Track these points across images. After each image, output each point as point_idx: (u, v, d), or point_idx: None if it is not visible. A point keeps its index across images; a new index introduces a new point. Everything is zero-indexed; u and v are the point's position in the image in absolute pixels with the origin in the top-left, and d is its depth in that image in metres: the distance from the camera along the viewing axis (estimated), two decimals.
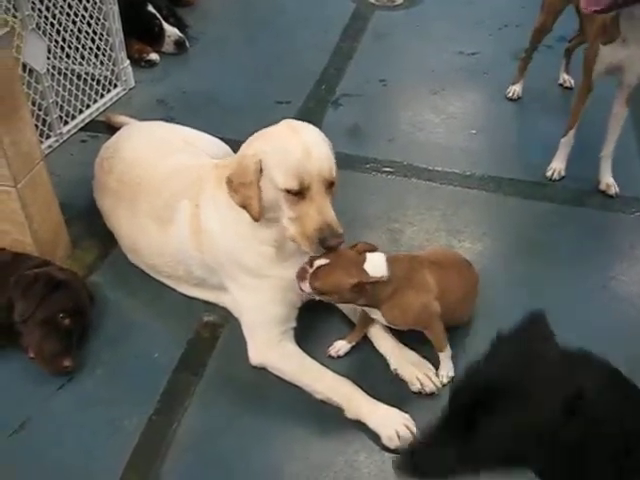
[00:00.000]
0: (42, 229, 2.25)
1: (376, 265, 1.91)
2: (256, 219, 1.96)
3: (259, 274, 2.07)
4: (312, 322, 2.19)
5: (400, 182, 2.88)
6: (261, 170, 1.92)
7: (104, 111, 3.22)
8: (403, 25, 4.14)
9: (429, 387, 2.01)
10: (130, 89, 3.39)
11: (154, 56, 3.63)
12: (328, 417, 1.95)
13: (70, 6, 3.00)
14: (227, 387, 2.06)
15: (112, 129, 2.87)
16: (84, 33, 3.11)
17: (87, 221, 2.58)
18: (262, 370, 2.08)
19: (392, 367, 2.07)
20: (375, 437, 1.88)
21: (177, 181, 2.23)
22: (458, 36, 4.01)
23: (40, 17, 2.89)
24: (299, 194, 1.89)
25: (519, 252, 2.53)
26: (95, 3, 3.04)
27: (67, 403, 1.99)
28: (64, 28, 3.04)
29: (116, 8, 3.12)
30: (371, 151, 3.04)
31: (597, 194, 2.80)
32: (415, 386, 2.02)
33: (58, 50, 3.09)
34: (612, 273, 2.45)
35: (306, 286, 1.89)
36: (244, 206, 1.96)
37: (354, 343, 2.15)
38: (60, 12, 2.98)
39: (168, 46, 3.70)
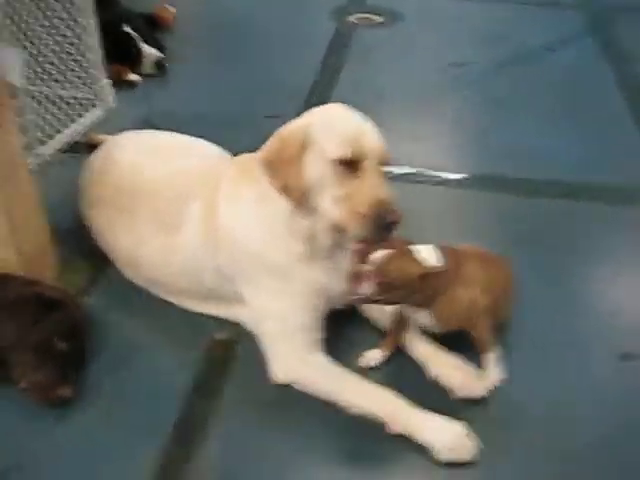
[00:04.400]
0: (28, 246, 2.00)
1: (431, 256, 1.72)
2: (298, 203, 1.73)
3: (285, 275, 1.84)
4: (337, 332, 1.97)
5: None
6: (306, 144, 1.71)
7: (84, 132, 3.00)
8: (387, 41, 4.05)
9: (477, 392, 1.80)
10: (111, 110, 3.18)
11: (133, 77, 3.45)
12: (367, 435, 1.72)
13: (45, 18, 2.81)
14: (248, 410, 1.82)
15: (93, 149, 2.66)
16: (60, 49, 2.90)
17: (74, 242, 2.33)
18: (285, 388, 1.84)
19: (432, 374, 1.86)
20: (420, 453, 1.66)
21: (185, 182, 2.02)
22: (443, 49, 3.94)
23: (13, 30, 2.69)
24: (351, 167, 1.68)
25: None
26: (70, 15, 2.85)
27: (66, 439, 1.72)
28: (40, 43, 2.84)
29: (93, 22, 2.93)
30: None
31: None
32: (461, 392, 1.80)
33: (32, 71, 2.88)
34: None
35: (368, 285, 1.66)
36: (285, 189, 1.73)
37: (388, 353, 1.93)
38: (34, 26, 2.78)
39: (147, 67, 3.52)
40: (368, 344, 1.95)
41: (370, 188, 1.67)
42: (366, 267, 1.68)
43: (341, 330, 1.99)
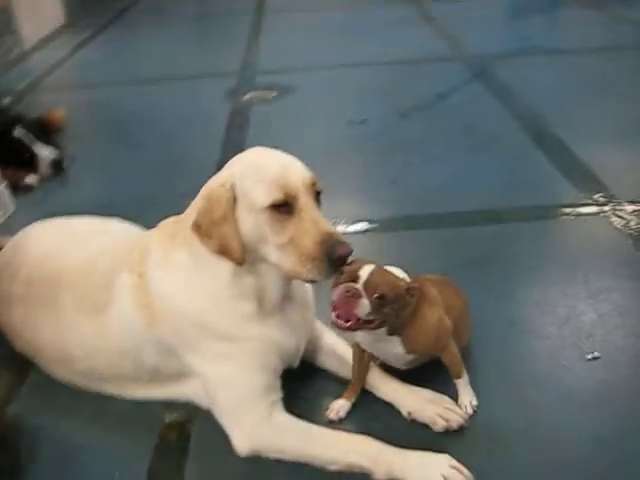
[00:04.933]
0: None
1: (401, 274, 1.64)
2: (240, 261, 1.60)
3: (234, 337, 1.69)
4: (297, 389, 1.83)
5: None
6: (235, 199, 1.60)
7: None
8: (285, 111, 4.09)
9: (456, 421, 1.70)
10: (10, 214, 2.99)
11: (30, 179, 3.25)
12: None
13: None
14: None
15: None
16: None
17: None
18: (253, 461, 1.67)
19: (405, 412, 1.75)
20: None
21: (107, 258, 1.86)
22: (341, 110, 4.02)
23: None
24: (286, 209, 1.57)
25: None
26: None
27: None
28: None
29: None
30: None
31: None
32: (439, 425, 1.69)
33: None
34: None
35: (364, 303, 1.53)
36: (223, 250, 1.60)
37: (354, 399, 1.80)
38: None
39: (44, 170, 3.33)
40: (331, 396, 1.83)
41: (311, 225, 1.56)
42: (355, 285, 1.55)
43: (299, 387, 1.85)
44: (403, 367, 1.78)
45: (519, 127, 3.53)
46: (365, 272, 1.56)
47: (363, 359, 1.79)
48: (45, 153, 3.38)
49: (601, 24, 5.54)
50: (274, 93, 4.39)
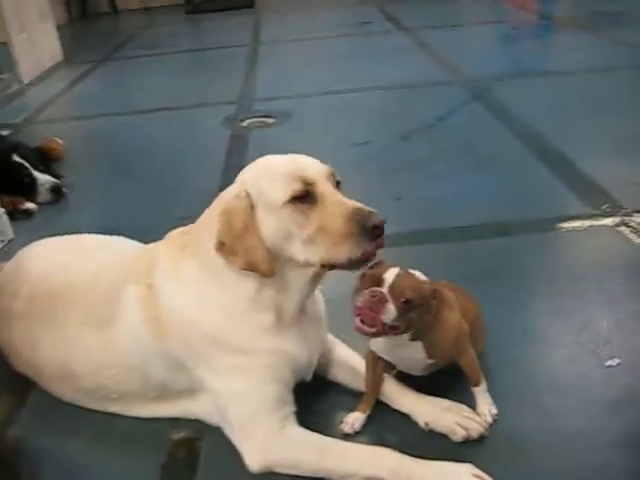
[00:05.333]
0: None
1: (422, 277, 1.59)
2: (269, 274, 1.54)
3: (248, 350, 1.63)
4: (310, 404, 1.77)
5: None
6: (252, 206, 1.55)
7: None
8: (284, 137, 4.06)
9: (476, 430, 1.63)
10: (10, 241, 2.95)
11: (30, 205, 3.24)
12: None
13: None
14: None
15: None
16: None
17: None
18: (265, 476, 1.60)
19: (422, 422, 1.69)
20: None
21: (112, 271, 1.81)
22: (343, 133, 4.00)
23: None
24: (307, 199, 1.52)
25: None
26: None
27: None
28: None
29: None
30: None
31: None
32: (458, 434, 1.63)
33: None
34: None
35: (391, 309, 1.47)
36: (251, 266, 1.53)
37: (369, 411, 1.74)
38: None
39: (43, 195, 3.34)
40: (344, 409, 1.76)
41: (337, 206, 1.51)
42: (380, 289, 1.49)
43: (312, 402, 1.79)
44: (419, 374, 1.72)
45: (520, 144, 3.52)
46: (390, 275, 1.50)
47: (377, 368, 1.73)
48: (45, 178, 3.38)
49: (594, 46, 5.57)
50: (273, 120, 4.38)
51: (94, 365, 1.77)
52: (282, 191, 1.52)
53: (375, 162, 3.53)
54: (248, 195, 1.56)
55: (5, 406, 1.93)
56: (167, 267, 1.70)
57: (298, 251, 1.55)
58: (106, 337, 1.74)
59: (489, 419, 1.67)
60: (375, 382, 1.74)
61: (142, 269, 1.73)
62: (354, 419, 1.71)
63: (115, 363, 1.74)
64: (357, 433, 1.70)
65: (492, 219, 2.78)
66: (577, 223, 2.67)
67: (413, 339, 1.59)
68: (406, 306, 1.48)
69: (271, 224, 1.54)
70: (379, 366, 1.73)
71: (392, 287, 1.48)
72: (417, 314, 1.52)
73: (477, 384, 1.69)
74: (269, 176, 1.57)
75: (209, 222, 1.63)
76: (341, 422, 1.72)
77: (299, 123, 4.29)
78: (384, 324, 1.49)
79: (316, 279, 1.64)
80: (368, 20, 7.60)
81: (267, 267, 1.53)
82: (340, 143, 3.81)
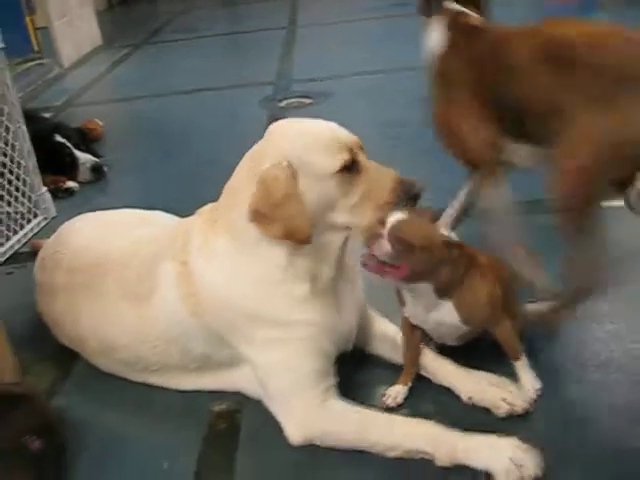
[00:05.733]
0: None
1: (449, 233, 1.59)
2: (307, 241, 1.53)
3: (287, 322, 1.62)
4: (350, 377, 1.75)
5: None
6: (295, 175, 1.54)
7: (26, 242, 2.80)
8: (321, 116, 4.01)
9: (520, 405, 1.60)
10: (52, 218, 3.00)
11: (71, 184, 3.29)
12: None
13: None
14: (272, 476, 1.57)
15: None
16: None
17: (34, 348, 2.08)
18: (305, 448, 1.59)
19: (464, 397, 1.66)
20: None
21: (148, 246, 1.82)
22: (379, 114, 3.95)
23: None
24: (351, 168, 1.55)
25: None
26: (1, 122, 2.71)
27: None
28: None
29: (24, 128, 2.81)
30: None
31: None
32: (502, 409, 1.60)
33: None
34: None
35: (382, 244, 1.49)
36: (289, 233, 1.52)
37: (410, 384, 1.72)
38: None
39: (84, 174, 3.38)
40: (385, 383, 1.74)
41: (380, 175, 1.57)
42: (381, 229, 1.51)
43: (352, 375, 1.77)
44: (454, 343, 1.70)
45: None
46: (394, 218, 1.52)
47: (413, 339, 1.71)
48: (86, 157, 3.42)
49: None
50: (310, 100, 4.36)
51: (133, 338, 1.78)
52: (333, 161, 1.53)
53: (409, 145, 3.46)
54: (289, 164, 1.54)
55: (50, 377, 1.96)
56: (199, 243, 1.69)
57: (340, 218, 1.56)
58: (144, 312, 1.74)
59: (533, 394, 1.63)
60: (412, 352, 1.73)
61: (178, 245, 1.73)
62: (396, 392, 1.69)
63: (154, 337, 1.75)
64: (399, 406, 1.68)
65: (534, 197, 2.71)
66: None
67: (440, 297, 1.59)
68: (401, 245, 1.49)
69: (315, 193, 1.54)
70: (415, 336, 1.71)
71: (391, 228, 1.51)
72: (425, 261, 1.51)
73: (516, 358, 1.66)
74: (315, 145, 1.56)
75: (238, 192, 1.61)
76: (383, 395, 1.70)
77: (336, 103, 4.25)
78: (379, 261, 1.52)
79: (345, 244, 1.65)
80: (406, 1, 7.49)
81: (307, 234, 1.53)
82: (375, 124, 3.77)
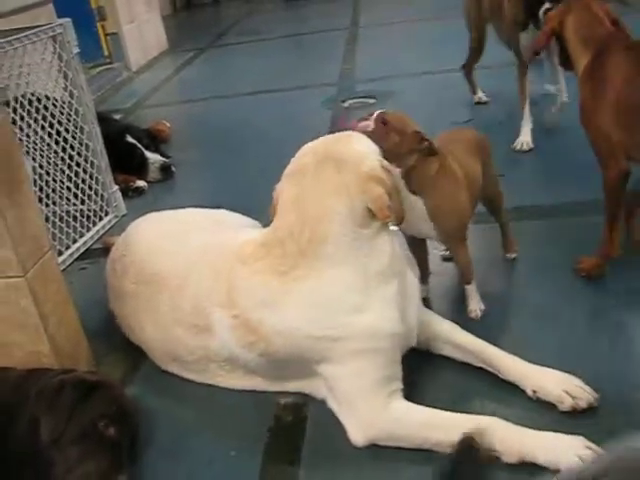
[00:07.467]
0: (60, 334, 1.83)
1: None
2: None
3: (373, 334, 1.63)
4: (410, 376, 1.74)
5: None
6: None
7: (98, 239, 2.91)
8: None
9: (585, 399, 1.59)
10: (122, 216, 3.10)
11: (141, 183, 3.40)
12: None
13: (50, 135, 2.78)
14: (336, 466, 1.59)
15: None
16: (67, 158, 2.85)
17: (107, 340, 2.16)
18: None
19: (529, 391, 1.65)
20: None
21: (199, 277, 1.82)
22: (444, 112, 3.93)
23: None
24: None
25: None
26: (76, 124, 2.82)
27: None
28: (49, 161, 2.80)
29: (97, 129, 2.92)
30: None
31: None
32: (566, 404, 1.58)
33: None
34: None
35: (368, 123, 1.80)
36: (400, 219, 1.69)
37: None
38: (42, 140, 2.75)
39: (154, 173, 3.49)
40: (446, 381, 1.77)
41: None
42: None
43: (413, 375, 1.77)
44: (432, 238, 1.98)
45: None
46: (379, 110, 1.85)
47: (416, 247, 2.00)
48: (156, 157, 3.53)
49: None
50: (373, 100, 4.37)
51: (198, 357, 1.84)
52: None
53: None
54: (381, 162, 1.69)
55: (121, 369, 2.04)
56: (263, 295, 1.67)
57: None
58: (204, 341, 1.79)
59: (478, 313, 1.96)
60: (420, 257, 2.02)
61: (222, 289, 1.73)
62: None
63: (219, 359, 1.80)
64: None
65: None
66: None
67: (412, 192, 1.85)
68: (381, 125, 1.79)
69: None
70: (417, 244, 2.01)
71: (378, 113, 1.83)
72: (398, 141, 1.79)
73: (469, 282, 1.97)
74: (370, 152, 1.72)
75: (323, 200, 1.65)
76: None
77: (400, 103, 4.23)
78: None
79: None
80: None
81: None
82: (441, 121, 3.73)
